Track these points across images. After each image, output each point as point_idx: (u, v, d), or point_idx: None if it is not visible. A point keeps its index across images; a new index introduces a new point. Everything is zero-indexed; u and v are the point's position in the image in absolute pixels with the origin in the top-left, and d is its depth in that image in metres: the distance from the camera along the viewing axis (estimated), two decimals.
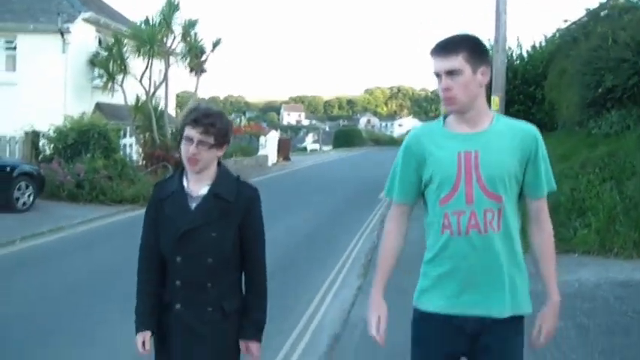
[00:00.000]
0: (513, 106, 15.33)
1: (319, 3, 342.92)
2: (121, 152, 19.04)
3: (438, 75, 2.64)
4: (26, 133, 17.35)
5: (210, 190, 2.86)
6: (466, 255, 2.64)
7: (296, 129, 64.59)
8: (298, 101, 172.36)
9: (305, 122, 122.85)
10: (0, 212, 13.08)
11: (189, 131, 2.80)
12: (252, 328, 2.96)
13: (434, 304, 2.72)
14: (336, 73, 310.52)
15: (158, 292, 2.96)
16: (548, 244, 2.76)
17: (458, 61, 2.58)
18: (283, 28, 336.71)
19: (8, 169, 13.48)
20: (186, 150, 2.80)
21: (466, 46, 2.61)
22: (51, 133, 17.23)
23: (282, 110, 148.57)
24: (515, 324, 2.70)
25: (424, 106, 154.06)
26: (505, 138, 2.66)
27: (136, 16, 65.27)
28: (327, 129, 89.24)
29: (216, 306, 2.87)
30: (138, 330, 2.96)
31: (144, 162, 19.57)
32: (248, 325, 2.95)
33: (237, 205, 2.86)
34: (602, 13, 12.99)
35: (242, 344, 2.96)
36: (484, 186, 2.61)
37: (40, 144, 17.65)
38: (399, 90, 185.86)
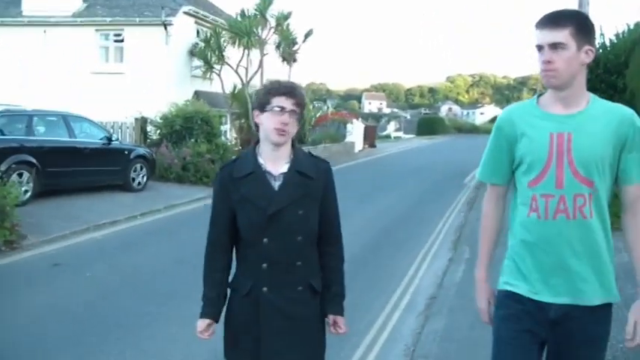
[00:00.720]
0: (596, 95, 15.71)
1: None
2: (222, 137, 20.27)
3: (540, 48, 2.57)
4: (136, 119, 18.83)
5: (291, 167, 2.80)
6: (552, 240, 2.58)
7: (377, 117, 65.04)
8: (379, 89, 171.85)
9: (386, 110, 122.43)
10: (119, 191, 14.56)
11: (282, 101, 2.75)
12: (336, 301, 2.95)
13: (516, 287, 2.69)
14: (418, 61, 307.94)
15: (225, 281, 2.93)
16: None
17: (563, 35, 2.50)
18: (365, 16, 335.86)
19: (126, 152, 14.90)
20: (275, 120, 2.74)
21: (574, 20, 2.53)
22: (158, 119, 18.62)
23: (363, 98, 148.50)
24: (601, 313, 2.63)
25: (506, 94, 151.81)
26: (600, 121, 2.57)
27: (229, 7, 67.19)
28: (409, 117, 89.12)
29: (305, 284, 2.83)
30: (204, 315, 2.90)
31: (240, 147, 20.78)
32: (331, 299, 2.94)
33: (317, 181, 2.83)
34: None
35: (330, 318, 2.95)
36: (576, 170, 2.54)
37: (148, 129, 19.07)
38: (480, 78, 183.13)
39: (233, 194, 2.81)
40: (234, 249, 2.92)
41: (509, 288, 2.71)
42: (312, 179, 2.81)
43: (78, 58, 21.73)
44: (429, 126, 65.30)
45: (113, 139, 14.72)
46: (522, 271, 2.67)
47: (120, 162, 14.51)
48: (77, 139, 13.46)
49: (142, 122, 18.83)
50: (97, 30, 22.48)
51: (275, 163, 2.81)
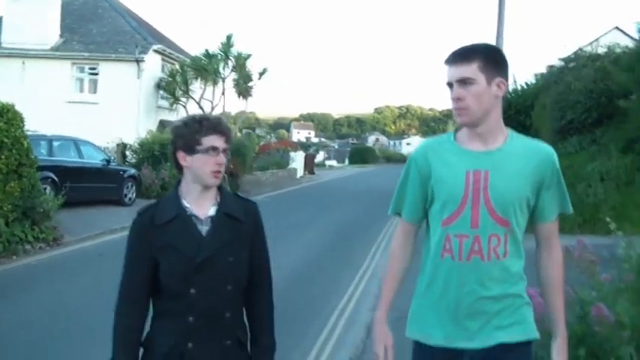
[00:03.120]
0: None
1: (330, 23, 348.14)
2: None
3: (450, 85, 2.47)
4: (117, 145, 21.51)
5: (219, 210, 2.57)
6: (464, 282, 2.46)
7: (306, 146, 68.11)
8: (308, 119, 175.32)
9: (314, 140, 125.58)
10: (114, 205, 17.25)
11: (215, 140, 2.51)
12: (266, 356, 2.67)
13: (431, 335, 2.56)
14: (346, 91, 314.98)
15: (139, 342, 2.56)
16: (557, 273, 2.58)
17: (471, 70, 2.41)
18: (293, 46, 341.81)
19: (121, 172, 17.68)
20: (211, 163, 2.51)
21: (481, 54, 2.44)
22: (136, 144, 21.35)
23: (291, 127, 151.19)
24: (520, 352, 2.52)
25: (432, 126, 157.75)
26: (519, 159, 2.47)
27: (187, 45, 69.72)
28: (337, 147, 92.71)
29: (233, 337, 2.57)
30: None
31: None
32: (264, 354, 2.66)
33: (247, 224, 2.61)
34: (570, 65, 17.16)
35: None
36: (492, 209, 2.42)
37: (126, 154, 21.78)
38: (407, 109, 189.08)
39: (154, 242, 2.51)
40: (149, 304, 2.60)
41: (421, 339, 2.59)
42: (242, 222, 2.58)
43: (54, 88, 24.24)
44: (360, 155, 69.15)
45: (110, 160, 17.47)
46: (434, 316, 2.55)
47: (116, 180, 17.25)
48: (85, 160, 16.20)
49: (122, 147, 21.52)
50: (73, 63, 25.10)
51: (201, 205, 2.56)
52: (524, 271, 2.56)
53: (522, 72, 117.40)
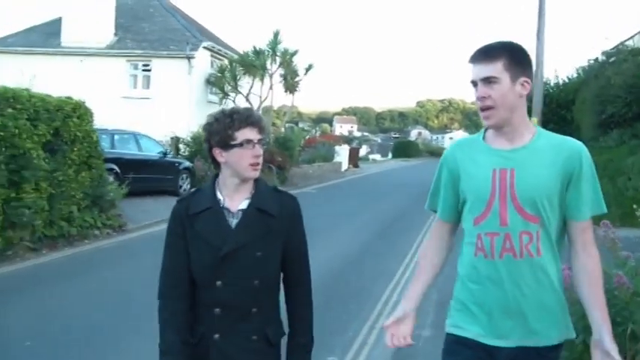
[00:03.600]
0: (549, 125, 19.81)
1: (372, 16, 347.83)
2: None
3: (474, 83, 2.47)
4: (171, 138, 22.44)
5: (251, 204, 2.54)
6: (499, 281, 2.46)
7: (348, 140, 68.87)
8: (350, 112, 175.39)
9: (357, 134, 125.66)
10: (170, 196, 18.13)
11: (249, 133, 2.50)
12: (300, 353, 2.63)
13: (465, 330, 2.57)
14: (389, 85, 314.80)
15: (187, 325, 2.57)
16: (595, 270, 2.48)
17: (496, 69, 2.41)
18: (335, 40, 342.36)
19: (176, 164, 18.59)
20: (248, 156, 2.49)
21: (506, 53, 2.43)
22: (188, 138, 22.28)
23: (334, 121, 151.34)
24: (552, 352, 2.51)
25: (475, 120, 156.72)
26: (546, 155, 2.45)
27: (233, 42, 71.35)
28: (379, 141, 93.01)
29: (260, 334, 2.55)
30: None
31: None
32: (296, 351, 2.63)
33: (280, 219, 2.56)
34: (610, 59, 17.51)
35: None
36: (520, 206, 2.42)
37: (180, 147, 22.73)
38: (450, 103, 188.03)
39: (188, 231, 2.56)
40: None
41: (456, 332, 2.61)
42: (274, 217, 2.56)
43: (110, 84, 25.30)
44: (403, 149, 69.87)
45: (167, 153, 18.39)
46: (470, 314, 2.56)
47: (171, 172, 18.16)
48: (143, 153, 17.14)
49: (176, 141, 22.45)
50: (127, 60, 26.17)
51: (235, 198, 2.57)
52: (561, 271, 2.55)
53: (566, 65, 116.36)
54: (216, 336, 2.54)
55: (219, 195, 2.59)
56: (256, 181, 2.62)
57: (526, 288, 2.46)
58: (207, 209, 2.56)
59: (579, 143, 2.53)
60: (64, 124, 11.33)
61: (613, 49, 18.14)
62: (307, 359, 2.66)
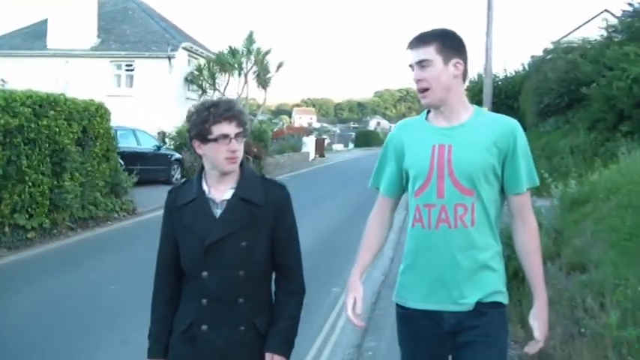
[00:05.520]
0: (499, 113, 22.42)
1: (328, 8, 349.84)
2: None
3: (412, 67, 2.65)
4: (158, 133, 24.48)
5: (235, 194, 2.55)
6: (435, 250, 2.61)
7: (308, 131, 70.87)
8: (309, 104, 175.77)
9: (316, 125, 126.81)
10: (163, 185, 20.22)
11: (225, 127, 2.49)
12: (278, 339, 2.59)
13: (410, 299, 2.71)
14: (346, 76, 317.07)
15: (171, 315, 2.67)
16: (532, 241, 2.68)
17: (428, 52, 2.59)
18: (292, 31, 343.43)
19: (169, 156, 20.73)
20: (224, 150, 2.50)
21: (438, 37, 2.62)
22: (174, 132, 24.33)
23: (293, 113, 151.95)
24: (492, 314, 2.63)
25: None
26: (482, 132, 2.61)
27: (208, 42, 73.26)
28: (338, 131, 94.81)
29: (248, 324, 2.56)
30: (151, 355, 2.68)
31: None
32: (274, 336, 2.60)
33: (266, 209, 2.57)
34: (547, 57, 20.14)
35: (267, 357, 2.58)
36: (456, 180, 2.58)
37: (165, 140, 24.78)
38: (407, 92, 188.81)
39: (176, 222, 2.60)
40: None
41: (400, 302, 2.77)
42: (259, 207, 2.55)
43: (95, 84, 27.14)
44: (365, 138, 72.53)
45: (161, 146, 20.48)
46: (411, 283, 2.71)
47: (165, 163, 20.29)
48: (142, 146, 19.23)
49: (162, 135, 24.50)
50: (111, 61, 28.08)
51: (219, 188, 2.58)
52: (498, 241, 2.67)
53: (515, 59, 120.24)
54: (204, 327, 2.54)
55: (204, 186, 2.60)
56: (242, 170, 2.63)
57: (460, 256, 2.59)
58: (193, 200, 2.58)
59: (513, 121, 2.69)
60: (90, 122, 13.40)
61: (550, 47, 20.80)
62: (288, 348, 2.63)
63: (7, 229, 10.63)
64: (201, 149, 2.57)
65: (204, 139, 2.53)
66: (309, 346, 6.19)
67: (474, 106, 2.76)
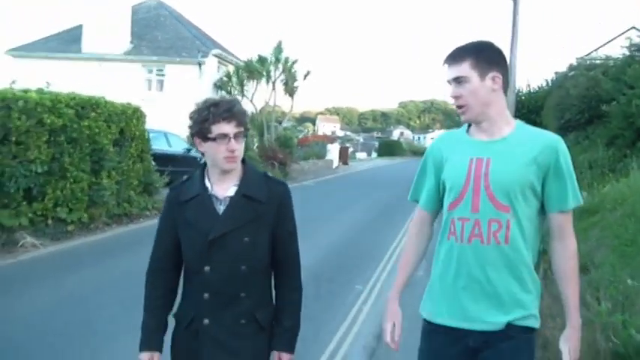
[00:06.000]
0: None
1: (355, 18, 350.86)
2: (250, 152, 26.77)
3: (449, 83, 2.63)
4: (187, 136, 25.11)
5: (238, 191, 2.61)
6: (466, 264, 2.57)
7: (331, 139, 71.60)
8: (333, 112, 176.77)
9: (339, 133, 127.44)
10: None
11: (223, 127, 2.53)
12: (285, 337, 2.70)
13: (437, 313, 2.67)
14: (371, 86, 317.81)
15: (166, 308, 2.74)
16: (570, 263, 2.60)
17: (463, 68, 2.56)
18: (318, 40, 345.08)
19: (198, 158, 21.30)
20: (223, 149, 2.55)
21: (471, 52, 2.58)
22: None
23: (317, 121, 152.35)
24: (521, 339, 2.56)
25: (457, 120, 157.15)
26: (523, 147, 2.55)
27: (236, 50, 74.99)
28: (362, 140, 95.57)
29: (250, 318, 2.62)
30: (144, 348, 2.68)
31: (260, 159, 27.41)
32: (280, 334, 2.70)
33: (269, 205, 2.63)
34: (570, 73, 20.58)
35: (274, 355, 2.70)
36: (492, 194, 2.52)
37: None
38: (432, 104, 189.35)
39: (178, 218, 2.65)
40: (180, 276, 2.76)
41: (427, 316, 2.73)
42: (262, 203, 2.61)
43: (127, 88, 27.92)
44: (388, 148, 73.46)
45: (190, 149, 21.16)
46: (440, 297, 2.67)
47: (194, 165, 20.80)
48: (172, 149, 19.91)
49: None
50: (143, 65, 28.90)
51: (222, 185, 2.63)
52: (533, 261, 2.59)
53: (538, 75, 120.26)
54: (206, 321, 2.60)
55: (207, 182, 2.65)
56: (245, 167, 2.68)
57: (492, 274, 2.53)
58: (196, 196, 2.62)
59: (556, 137, 2.62)
60: (126, 125, 14.11)
61: (574, 64, 21.25)
62: (292, 343, 2.71)
63: (50, 221, 11.31)
64: (202, 147, 2.63)
65: (205, 137, 2.59)
66: (332, 336, 6.70)
67: (517, 120, 2.71)
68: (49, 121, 11.11)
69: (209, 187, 2.65)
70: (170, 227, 2.70)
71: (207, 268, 2.58)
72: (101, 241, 11.88)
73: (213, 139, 2.56)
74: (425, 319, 2.75)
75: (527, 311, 2.56)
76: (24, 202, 10.75)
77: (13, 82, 11.74)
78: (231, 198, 2.61)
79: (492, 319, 2.55)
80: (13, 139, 10.46)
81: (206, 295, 2.60)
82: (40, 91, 11.70)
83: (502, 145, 2.58)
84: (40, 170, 10.87)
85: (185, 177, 2.79)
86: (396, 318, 2.78)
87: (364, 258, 10.89)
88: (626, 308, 4.22)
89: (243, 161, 2.69)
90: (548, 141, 2.58)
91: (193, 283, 2.65)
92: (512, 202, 2.51)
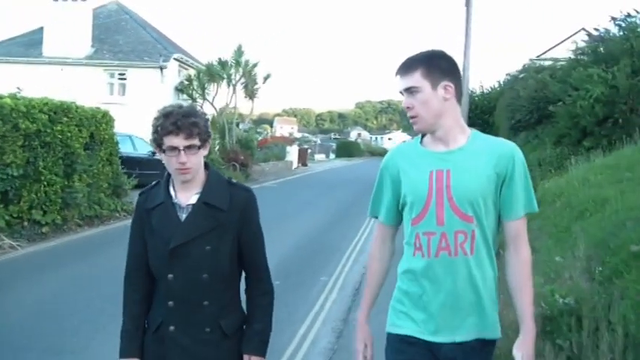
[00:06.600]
0: (474, 128, 23.80)
1: (310, 19, 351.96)
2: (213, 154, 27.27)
3: (402, 93, 2.59)
4: (150, 139, 25.57)
5: (199, 199, 2.59)
6: (435, 279, 2.55)
7: (290, 141, 72.16)
8: (290, 114, 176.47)
9: (297, 135, 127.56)
10: None
11: (172, 140, 2.50)
12: (255, 340, 2.70)
13: (405, 327, 2.64)
14: (328, 87, 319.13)
15: (144, 313, 2.73)
16: (524, 272, 2.59)
17: (414, 79, 2.52)
18: (276, 42, 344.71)
19: (162, 161, 21.82)
20: (173, 162, 2.53)
21: (422, 62, 2.55)
22: None
23: (275, 122, 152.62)
24: (485, 350, 2.60)
25: None
26: (480, 157, 2.54)
27: (197, 53, 74.74)
28: (319, 141, 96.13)
29: (214, 326, 2.63)
30: (124, 354, 2.72)
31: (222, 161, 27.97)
32: (250, 337, 2.70)
33: (231, 213, 2.61)
34: (520, 75, 21.60)
35: (245, 358, 2.69)
36: (455, 206, 2.51)
37: None
38: (388, 104, 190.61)
39: (145, 224, 2.66)
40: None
41: (395, 330, 2.68)
42: (224, 212, 2.59)
43: (89, 92, 28.17)
44: (346, 149, 74.09)
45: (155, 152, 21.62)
46: (408, 312, 2.64)
47: (158, 168, 21.21)
48: (138, 152, 20.35)
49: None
50: (104, 70, 29.16)
51: (184, 193, 2.62)
52: (495, 270, 2.60)
53: (498, 73, 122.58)
54: (172, 328, 2.61)
55: (172, 190, 2.64)
56: (208, 174, 2.66)
57: (460, 285, 2.53)
58: (160, 204, 2.62)
59: (512, 144, 2.63)
60: (96, 129, 14.58)
61: (524, 66, 22.25)
62: (263, 346, 2.71)
63: (25, 223, 11.76)
64: (160, 156, 2.64)
65: (159, 147, 2.60)
66: (302, 321, 7.36)
67: (472, 129, 2.70)
68: (23, 126, 11.56)
69: (173, 195, 2.65)
70: (140, 233, 2.70)
71: (170, 276, 2.60)
72: (75, 242, 12.33)
73: (164, 151, 2.57)
74: (392, 333, 2.72)
75: (492, 322, 2.61)
76: (1, 205, 11.18)
77: None
78: (193, 206, 2.61)
79: (463, 332, 2.56)
80: None
81: (170, 303, 2.62)
82: (13, 96, 12.10)
83: (460, 155, 2.57)
84: (15, 174, 11.33)
85: (154, 182, 2.79)
86: (367, 339, 2.78)
87: (326, 253, 11.62)
88: (554, 281, 4.98)
89: (207, 168, 2.70)
90: (504, 150, 2.59)
91: (160, 289, 2.68)
92: (476, 211, 2.52)
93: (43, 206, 12.28)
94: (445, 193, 2.52)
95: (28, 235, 11.73)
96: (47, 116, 12.40)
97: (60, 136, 12.80)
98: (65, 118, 13.06)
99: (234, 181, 2.78)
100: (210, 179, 2.65)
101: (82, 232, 13.29)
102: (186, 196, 2.62)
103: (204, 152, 2.60)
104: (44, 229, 12.24)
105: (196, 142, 2.52)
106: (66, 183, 13.09)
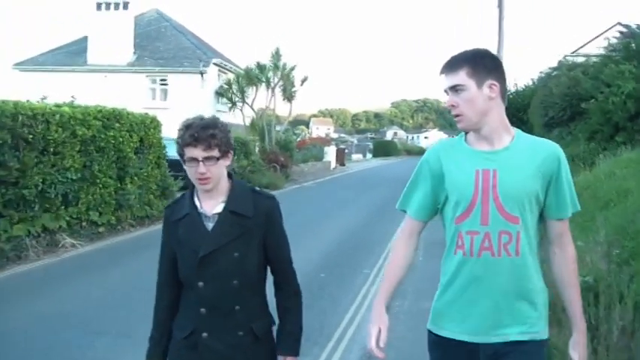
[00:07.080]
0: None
1: (344, 20, 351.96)
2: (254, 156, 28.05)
3: (446, 92, 2.59)
4: None
5: (225, 208, 2.66)
6: (477, 278, 2.54)
7: (327, 141, 72.72)
8: (327, 115, 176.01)
9: (333, 135, 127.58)
10: None
11: (191, 151, 2.58)
12: (288, 341, 2.80)
13: (446, 328, 2.65)
14: (363, 87, 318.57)
15: (169, 319, 2.82)
16: (571, 269, 2.61)
17: (460, 77, 2.52)
18: (311, 43, 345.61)
19: None
20: (193, 172, 2.61)
21: (469, 61, 2.54)
22: None
23: (311, 123, 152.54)
24: (532, 351, 2.57)
25: (449, 118, 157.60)
26: (526, 156, 2.53)
27: (235, 57, 76.01)
28: (356, 142, 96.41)
29: (246, 329, 2.70)
30: (148, 358, 2.86)
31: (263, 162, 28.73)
32: (283, 339, 2.80)
33: (256, 219, 2.68)
34: (553, 73, 21.91)
35: (280, 359, 2.80)
36: (501, 206, 2.49)
37: None
38: (424, 103, 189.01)
39: (172, 236, 2.73)
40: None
41: (436, 331, 2.69)
42: (249, 218, 2.66)
43: (132, 97, 29.14)
44: (383, 148, 74.91)
45: None
46: (449, 311, 2.64)
47: None
48: None
49: None
50: (147, 76, 30.16)
51: (209, 202, 2.69)
52: (540, 272, 2.60)
53: (532, 71, 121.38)
54: (205, 334, 2.67)
55: (196, 200, 2.70)
56: (232, 183, 2.73)
57: (502, 286, 2.51)
58: (186, 215, 2.68)
59: (556, 145, 2.61)
60: (145, 134, 15.36)
61: (557, 64, 22.57)
62: (296, 347, 2.80)
63: (84, 223, 12.56)
64: (184, 165, 2.67)
65: (182, 157, 2.66)
66: (346, 311, 7.87)
67: (515, 129, 2.67)
68: (80, 132, 12.36)
69: (198, 206, 2.70)
70: (168, 245, 2.79)
71: (200, 284, 2.66)
72: (129, 241, 13.13)
73: (185, 162, 2.65)
74: (433, 332, 2.73)
75: (535, 323, 2.59)
76: (62, 207, 11.98)
77: (44, 97, 12.92)
78: (219, 215, 2.67)
79: (502, 332, 2.55)
80: (52, 149, 11.65)
81: (203, 310, 2.67)
82: (70, 104, 12.91)
83: (506, 155, 2.56)
84: (74, 177, 12.11)
85: (179, 195, 2.89)
86: (383, 323, 2.70)
87: (367, 248, 12.21)
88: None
89: (230, 177, 2.76)
90: (549, 150, 2.58)
91: (190, 297, 2.73)
92: (522, 212, 2.51)
93: (99, 208, 13.07)
94: (491, 193, 2.51)
95: (87, 234, 12.52)
96: (101, 122, 13.21)
97: (113, 141, 13.59)
98: (117, 124, 13.85)
99: (257, 189, 2.87)
100: (234, 188, 2.73)
101: (135, 232, 14.09)
102: (211, 206, 2.69)
103: (225, 163, 2.66)
104: (100, 229, 13.03)
105: (215, 153, 2.59)
106: (119, 185, 13.87)
